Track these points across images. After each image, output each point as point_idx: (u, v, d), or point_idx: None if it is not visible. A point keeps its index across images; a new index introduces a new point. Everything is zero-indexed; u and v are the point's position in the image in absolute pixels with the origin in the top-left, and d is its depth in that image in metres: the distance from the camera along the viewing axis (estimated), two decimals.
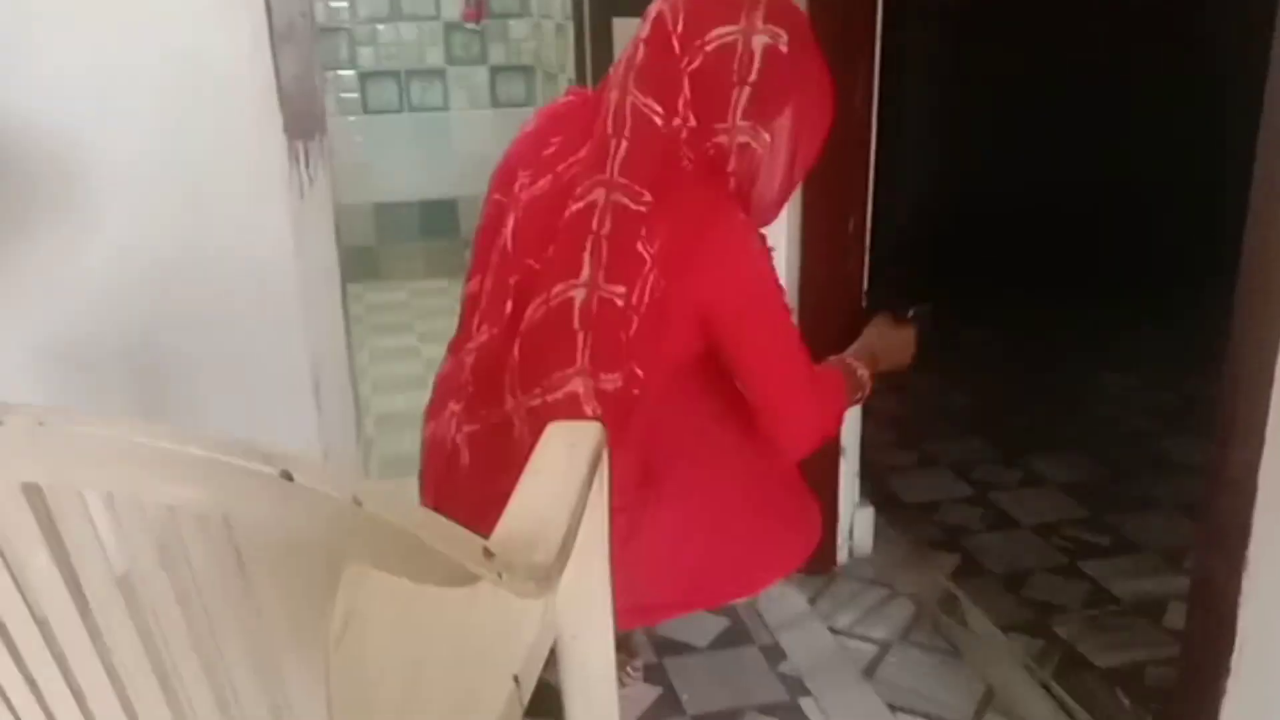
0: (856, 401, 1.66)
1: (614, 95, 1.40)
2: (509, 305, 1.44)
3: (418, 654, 1.11)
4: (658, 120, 1.37)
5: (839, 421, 1.63)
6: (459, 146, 4.48)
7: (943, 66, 3.93)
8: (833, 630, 1.95)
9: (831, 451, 2.19)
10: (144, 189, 1.67)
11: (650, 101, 1.37)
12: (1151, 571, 2.14)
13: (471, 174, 4.44)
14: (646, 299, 1.33)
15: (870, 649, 1.90)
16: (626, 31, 2.62)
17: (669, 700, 1.77)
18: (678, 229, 1.33)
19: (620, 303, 1.33)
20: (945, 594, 2.05)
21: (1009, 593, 2.08)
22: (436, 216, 4.50)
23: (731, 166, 1.40)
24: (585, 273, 1.34)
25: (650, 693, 1.79)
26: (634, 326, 1.33)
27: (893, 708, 1.74)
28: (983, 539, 2.29)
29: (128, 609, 0.76)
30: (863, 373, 1.64)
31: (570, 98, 1.57)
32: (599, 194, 1.35)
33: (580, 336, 1.34)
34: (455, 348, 1.55)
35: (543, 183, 1.45)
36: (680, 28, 1.38)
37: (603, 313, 1.34)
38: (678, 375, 1.44)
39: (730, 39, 1.36)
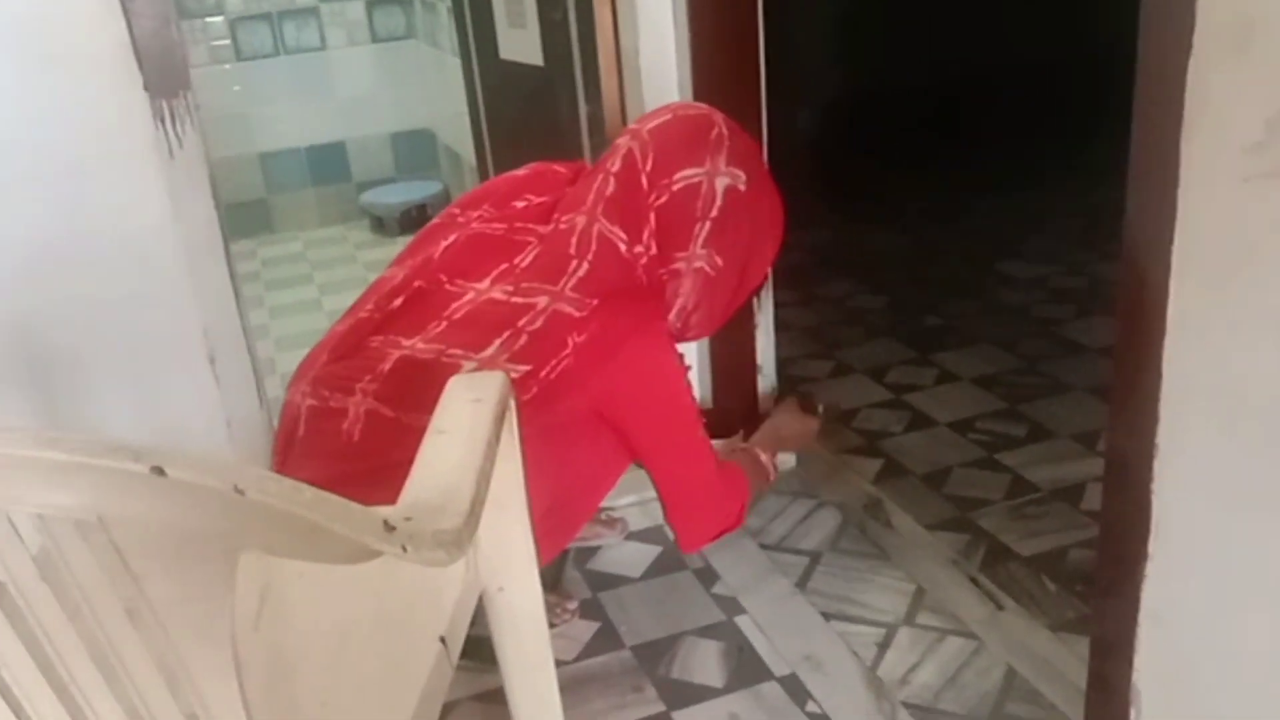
0: (761, 491, 1.78)
1: (581, 220, 1.50)
2: (399, 301, 1.51)
3: (340, 626, 1.08)
4: (621, 246, 1.49)
5: (741, 517, 1.66)
6: (341, 88, 4.30)
7: None
8: (763, 546, 1.96)
9: (748, 369, 2.19)
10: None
11: (617, 230, 1.49)
12: (1067, 457, 2.19)
13: (358, 114, 4.34)
14: (555, 375, 1.39)
15: (801, 561, 1.92)
16: None
17: (607, 633, 1.77)
18: (606, 328, 1.42)
19: (515, 376, 1.36)
20: (870, 499, 2.08)
21: (932, 491, 2.11)
22: (326, 161, 4.35)
23: (684, 287, 1.53)
24: (488, 353, 1.39)
25: (588, 628, 1.79)
26: (531, 394, 1.37)
27: (827, 616, 1.76)
28: (902, 440, 2.32)
29: (11, 625, 0.72)
30: (766, 460, 1.80)
31: (560, 170, 1.67)
32: (542, 300, 1.43)
33: None
34: (343, 317, 1.58)
35: (497, 225, 1.56)
36: (649, 166, 1.51)
37: None
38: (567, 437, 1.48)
39: (695, 180, 1.51)
